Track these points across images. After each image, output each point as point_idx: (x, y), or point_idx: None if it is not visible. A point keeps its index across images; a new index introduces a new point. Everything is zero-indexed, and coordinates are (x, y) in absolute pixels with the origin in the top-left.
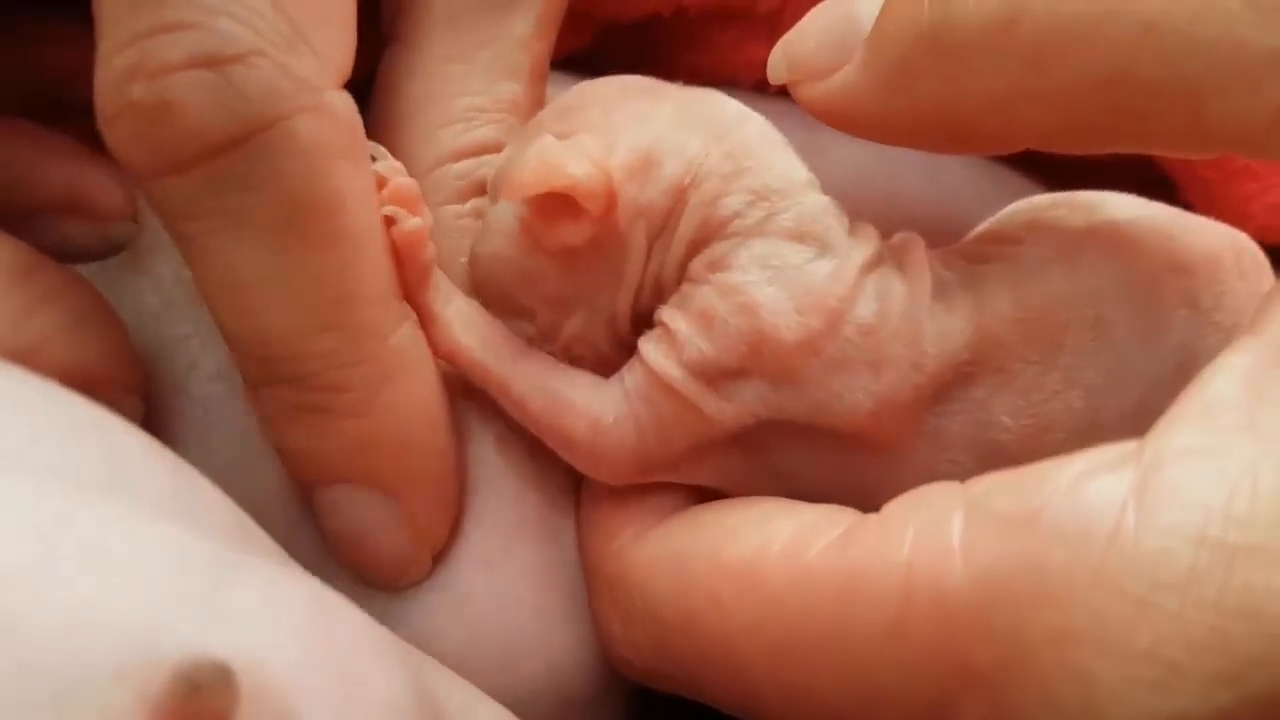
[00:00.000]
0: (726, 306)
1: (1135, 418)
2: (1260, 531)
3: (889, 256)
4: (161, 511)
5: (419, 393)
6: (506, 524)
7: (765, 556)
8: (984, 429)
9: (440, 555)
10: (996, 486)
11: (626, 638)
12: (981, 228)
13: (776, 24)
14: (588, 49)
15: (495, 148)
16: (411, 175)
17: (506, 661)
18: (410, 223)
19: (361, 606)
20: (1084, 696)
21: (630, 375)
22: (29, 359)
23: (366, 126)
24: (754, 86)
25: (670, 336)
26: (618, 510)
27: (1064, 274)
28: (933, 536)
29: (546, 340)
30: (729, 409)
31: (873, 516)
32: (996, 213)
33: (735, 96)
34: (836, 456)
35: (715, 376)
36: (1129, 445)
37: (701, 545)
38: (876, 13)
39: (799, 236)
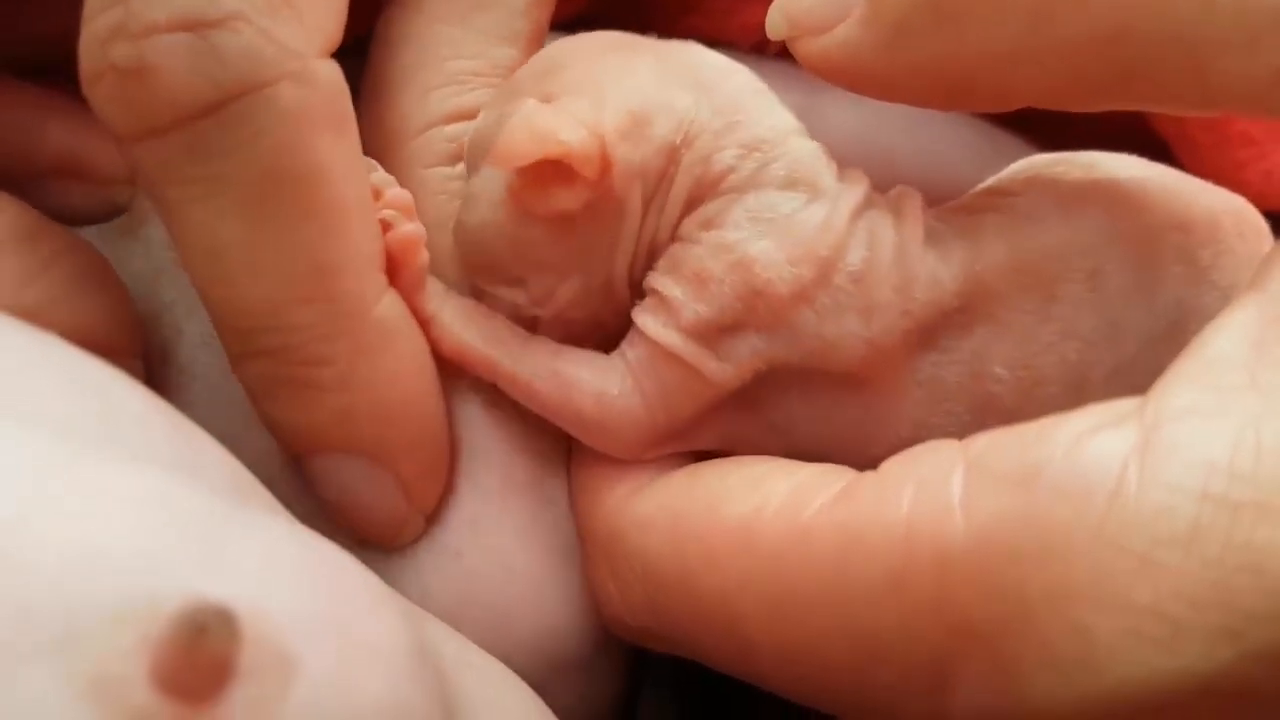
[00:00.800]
0: (720, 265)
1: (1128, 373)
2: (1264, 487)
3: (881, 201)
4: (161, 464)
5: (403, 364)
6: (497, 485)
7: (762, 514)
8: (979, 380)
9: (432, 515)
10: (996, 444)
11: (621, 596)
12: (979, 187)
13: None
14: (585, 12)
15: None
16: (403, 136)
17: (498, 621)
18: (406, 227)
19: None
20: (1084, 653)
21: (630, 348)
22: (32, 320)
23: (362, 86)
24: (752, 48)
25: (665, 303)
26: (611, 468)
27: (1060, 225)
28: (932, 494)
29: (539, 307)
30: (729, 369)
31: (870, 474)
32: (983, 162)
33: (735, 59)
34: (833, 410)
35: (712, 335)
36: (1131, 403)
37: (697, 504)
38: None
39: (790, 184)
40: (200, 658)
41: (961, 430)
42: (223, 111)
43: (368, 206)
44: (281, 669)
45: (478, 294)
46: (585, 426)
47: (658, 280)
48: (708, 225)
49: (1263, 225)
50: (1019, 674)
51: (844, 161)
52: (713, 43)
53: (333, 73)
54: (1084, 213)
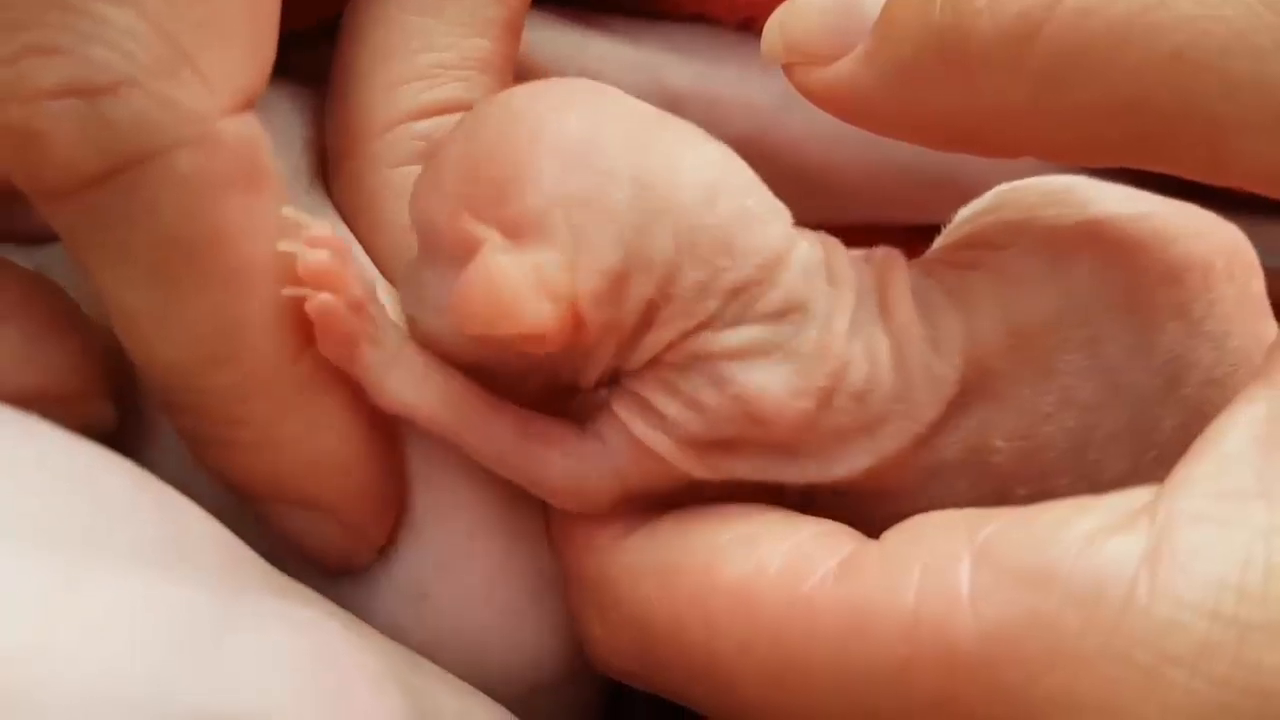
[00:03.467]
0: (717, 397)
1: (1127, 434)
2: (1273, 608)
3: (869, 292)
4: (154, 557)
5: (329, 418)
6: (464, 527)
7: (761, 579)
8: (977, 453)
9: (398, 555)
10: (1005, 535)
11: (607, 640)
12: (969, 224)
13: None
14: None
15: (459, 106)
16: (368, 133)
17: (472, 657)
18: (317, 299)
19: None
20: None
21: (612, 436)
22: None
23: (329, 77)
24: (739, 25)
25: (654, 412)
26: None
27: (1054, 291)
28: (940, 584)
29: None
30: (721, 471)
31: (873, 547)
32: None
33: (719, 37)
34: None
35: (706, 448)
36: (1142, 497)
37: (692, 560)
38: None
39: (781, 315)
40: None
41: (958, 497)
42: (116, 180)
43: (289, 261)
44: None
45: None
46: (556, 498)
47: (647, 391)
48: (700, 357)
49: (1253, 259)
50: None
51: (827, 149)
52: (697, 19)
53: (243, 131)
54: (1078, 275)
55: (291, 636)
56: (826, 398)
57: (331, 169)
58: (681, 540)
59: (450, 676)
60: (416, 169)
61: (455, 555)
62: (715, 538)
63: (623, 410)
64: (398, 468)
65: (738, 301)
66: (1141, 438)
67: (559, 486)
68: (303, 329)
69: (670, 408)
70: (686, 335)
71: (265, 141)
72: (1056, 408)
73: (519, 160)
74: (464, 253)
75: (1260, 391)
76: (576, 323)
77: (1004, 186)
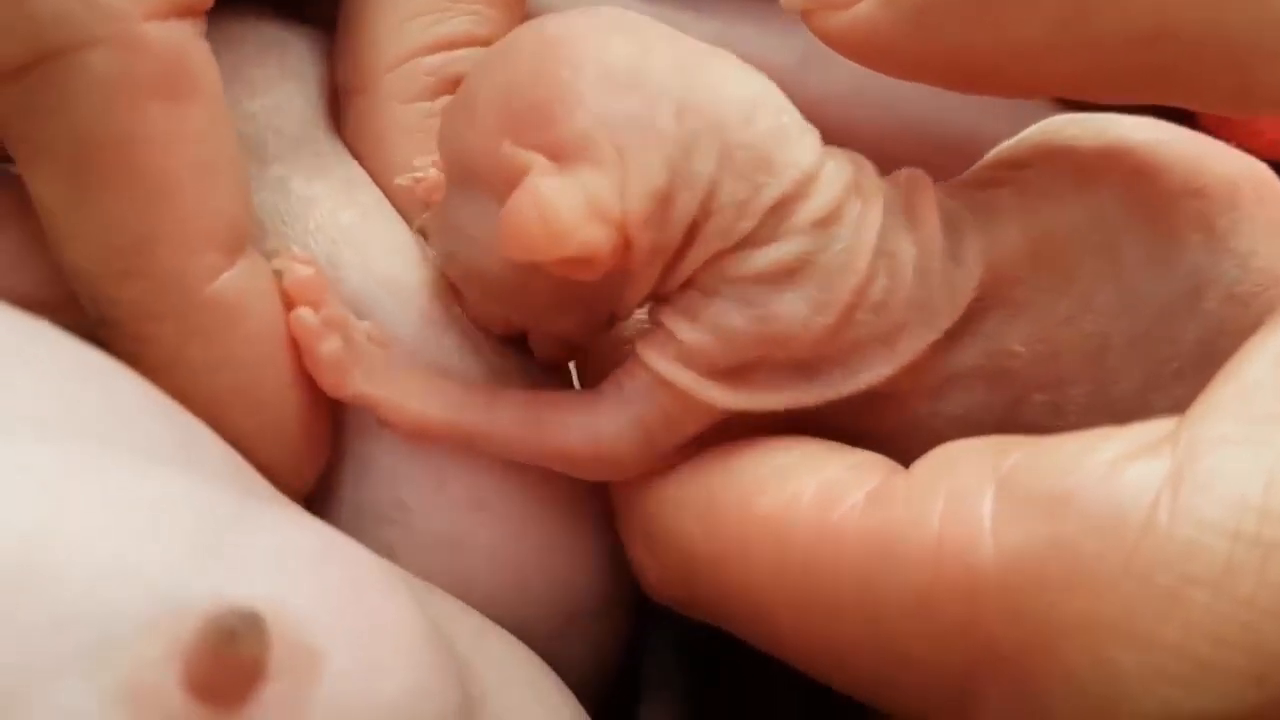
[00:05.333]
0: (742, 319)
1: (1147, 341)
2: None
3: (895, 206)
4: (165, 457)
5: (241, 352)
6: (496, 467)
7: (794, 510)
8: (995, 358)
9: (424, 502)
10: (1028, 463)
11: (655, 568)
12: (992, 154)
13: None
14: None
15: (469, 41)
16: (378, 69)
17: (507, 594)
18: (296, 314)
19: None
20: (1109, 686)
21: (629, 379)
22: None
23: (337, 9)
24: None
25: (676, 343)
26: None
27: (1074, 200)
28: (963, 513)
29: (531, 327)
30: (742, 398)
31: (900, 478)
32: (998, 117)
33: None
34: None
35: (727, 373)
36: (1166, 426)
37: (730, 493)
38: None
39: (815, 228)
40: (231, 662)
41: (976, 402)
42: (36, 72)
43: (210, 179)
44: (308, 664)
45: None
46: (578, 465)
47: (670, 320)
48: (729, 279)
49: None
50: (1043, 702)
51: (846, 106)
52: None
53: (170, 35)
54: (1099, 185)
55: (305, 536)
56: (849, 312)
57: (342, 106)
58: (721, 474)
59: (462, 603)
60: (427, 104)
61: (492, 491)
62: (754, 470)
63: (645, 350)
64: (322, 412)
65: (774, 217)
66: (1161, 348)
67: (578, 451)
68: (226, 250)
69: (692, 334)
70: (721, 255)
71: (200, 52)
72: (1074, 313)
73: (562, 83)
74: (507, 181)
75: None
76: (625, 245)
77: (1026, 130)
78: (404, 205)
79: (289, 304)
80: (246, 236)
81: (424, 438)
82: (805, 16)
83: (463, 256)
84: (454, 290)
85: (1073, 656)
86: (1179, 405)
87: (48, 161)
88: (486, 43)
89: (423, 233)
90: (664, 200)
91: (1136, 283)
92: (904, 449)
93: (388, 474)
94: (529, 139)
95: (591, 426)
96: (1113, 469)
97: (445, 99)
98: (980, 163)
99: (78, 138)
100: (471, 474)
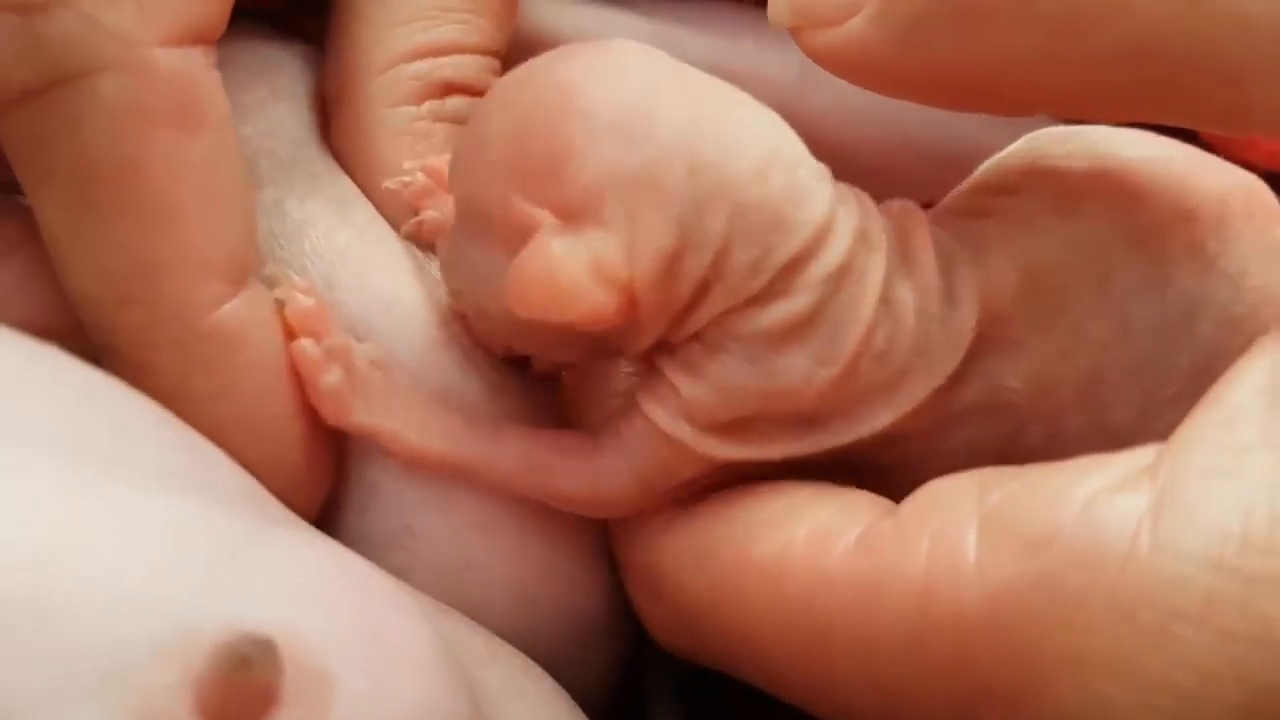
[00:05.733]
0: (746, 376)
1: (1142, 368)
2: (1278, 559)
3: (891, 246)
4: (177, 481)
5: (241, 382)
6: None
7: (787, 557)
8: (993, 394)
9: (431, 527)
10: (1011, 500)
11: (657, 616)
12: (980, 172)
13: None
14: None
15: (456, 49)
16: (365, 74)
17: (519, 611)
18: (298, 345)
19: None
20: (1100, 719)
21: (629, 429)
22: None
23: (328, 19)
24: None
25: (678, 397)
26: None
27: (1062, 230)
28: (947, 550)
29: (512, 352)
30: (741, 450)
31: (889, 522)
32: (998, 130)
33: (736, 11)
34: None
35: (727, 426)
36: (1147, 455)
37: (727, 542)
38: None
39: (820, 284)
40: (244, 689)
41: (973, 437)
42: (42, 98)
43: (215, 208)
44: (321, 689)
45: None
46: (578, 505)
47: (672, 373)
48: (736, 336)
49: (1273, 203)
50: None
51: (844, 121)
52: None
53: (180, 63)
54: (1086, 213)
55: (316, 558)
56: (854, 363)
57: (330, 113)
58: (716, 524)
59: (473, 622)
60: (412, 109)
61: (495, 518)
62: (747, 518)
63: (646, 402)
64: (324, 440)
65: (786, 274)
66: (1156, 374)
67: (576, 493)
68: (229, 280)
69: (693, 390)
70: (729, 312)
71: (210, 82)
72: (1069, 346)
73: (569, 136)
74: (516, 234)
75: (1269, 343)
76: (631, 304)
77: (1014, 145)
78: (391, 210)
79: (290, 334)
80: (250, 267)
81: (424, 468)
82: (794, 34)
83: (470, 294)
84: (454, 308)
85: (1062, 691)
86: (1176, 430)
87: (54, 186)
88: (474, 51)
89: (411, 238)
90: (673, 261)
91: (1129, 311)
92: (903, 480)
93: (394, 500)
94: (539, 194)
95: (590, 473)
96: (1093, 502)
97: (431, 104)
98: (967, 183)
99: (84, 162)
100: (477, 498)
